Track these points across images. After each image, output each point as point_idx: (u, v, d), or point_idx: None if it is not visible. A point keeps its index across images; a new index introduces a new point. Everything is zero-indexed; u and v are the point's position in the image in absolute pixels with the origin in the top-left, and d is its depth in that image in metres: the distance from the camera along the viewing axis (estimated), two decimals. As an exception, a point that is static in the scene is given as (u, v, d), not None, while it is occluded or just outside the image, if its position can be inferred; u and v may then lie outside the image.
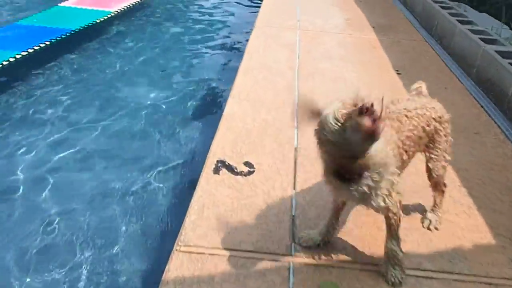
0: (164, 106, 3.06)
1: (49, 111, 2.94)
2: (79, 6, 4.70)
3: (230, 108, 2.29)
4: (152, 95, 3.21)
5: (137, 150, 2.55)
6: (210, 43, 4.41)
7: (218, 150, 1.93)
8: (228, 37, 4.64)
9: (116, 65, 3.72)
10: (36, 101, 3.07)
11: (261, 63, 2.94)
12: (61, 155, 2.46)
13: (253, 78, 2.70)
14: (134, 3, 4.92)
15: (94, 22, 4.23)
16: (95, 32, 4.28)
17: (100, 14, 4.44)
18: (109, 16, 4.46)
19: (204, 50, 4.22)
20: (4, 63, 3.22)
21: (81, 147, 2.53)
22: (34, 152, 2.48)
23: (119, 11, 4.63)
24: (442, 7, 3.91)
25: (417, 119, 1.29)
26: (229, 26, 4.97)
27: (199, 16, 5.24)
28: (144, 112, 2.95)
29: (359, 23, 4.09)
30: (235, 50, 4.23)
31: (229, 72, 3.38)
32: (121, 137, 2.66)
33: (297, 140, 2.04)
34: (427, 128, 1.32)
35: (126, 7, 4.76)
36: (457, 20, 3.51)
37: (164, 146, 2.57)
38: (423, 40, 3.73)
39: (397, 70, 3.02)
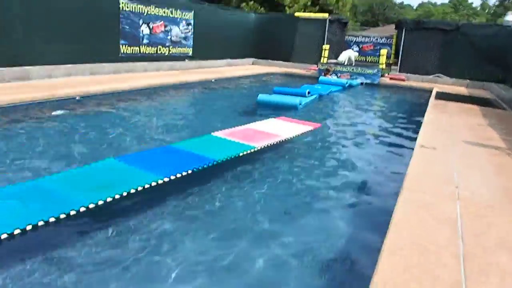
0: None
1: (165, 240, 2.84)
2: (228, 138, 5.01)
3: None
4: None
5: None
6: (342, 203, 3.77)
7: None
8: (366, 197, 4.00)
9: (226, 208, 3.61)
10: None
11: (413, 242, 2.40)
12: None
13: (403, 263, 2.16)
14: (277, 142, 5.05)
15: (237, 155, 4.37)
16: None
17: (245, 148, 4.59)
18: (252, 150, 4.59)
19: (331, 212, 3.54)
20: (146, 186, 3.36)
21: None
22: None
23: (263, 147, 4.76)
24: None
25: None
26: (369, 181, 4.47)
27: (335, 165, 4.93)
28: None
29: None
30: (375, 217, 3.48)
31: (365, 249, 2.83)
32: None
33: None
34: None
35: (269, 144, 4.90)
36: None
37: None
38: None
39: None
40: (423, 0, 73.37)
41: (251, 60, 16.90)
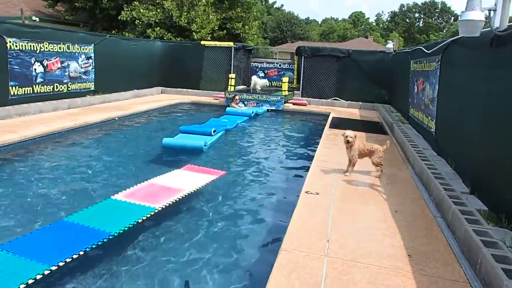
0: None
1: None
2: (128, 200, 4.96)
3: None
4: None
5: None
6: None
7: None
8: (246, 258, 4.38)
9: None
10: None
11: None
12: None
13: None
14: (179, 198, 5.15)
15: (135, 223, 4.38)
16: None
17: (145, 211, 4.61)
18: (152, 213, 4.63)
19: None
20: (38, 277, 3.29)
21: None
22: None
23: (164, 206, 4.83)
24: (484, 242, 3.63)
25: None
26: (252, 237, 4.89)
27: (226, 219, 5.21)
28: None
29: (397, 251, 3.88)
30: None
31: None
32: None
33: None
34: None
35: (171, 202, 4.99)
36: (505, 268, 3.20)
37: None
38: (466, 282, 3.38)
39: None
40: (326, 16, 79.13)
41: (160, 89, 16.81)
